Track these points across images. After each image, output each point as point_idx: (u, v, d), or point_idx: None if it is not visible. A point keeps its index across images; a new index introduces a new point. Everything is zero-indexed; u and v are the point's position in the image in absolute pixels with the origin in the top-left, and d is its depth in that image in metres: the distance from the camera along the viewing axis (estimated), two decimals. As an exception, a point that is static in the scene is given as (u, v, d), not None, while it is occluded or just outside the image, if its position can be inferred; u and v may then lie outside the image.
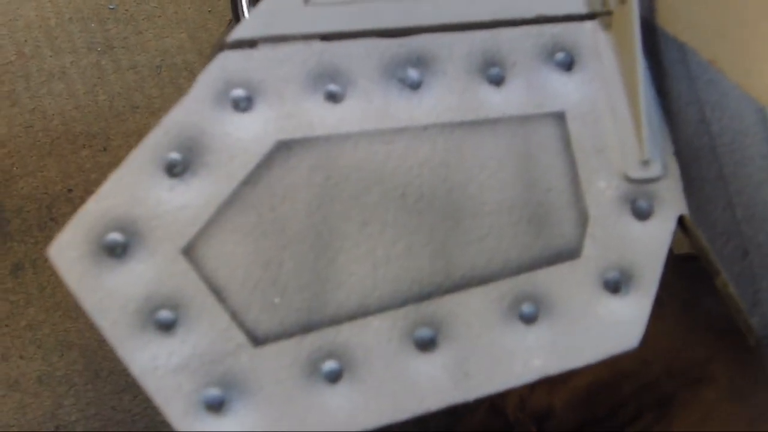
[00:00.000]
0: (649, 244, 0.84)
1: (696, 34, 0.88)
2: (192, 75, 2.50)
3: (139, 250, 0.75)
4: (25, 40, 2.53)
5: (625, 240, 0.84)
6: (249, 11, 1.64)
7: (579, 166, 0.85)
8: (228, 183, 0.77)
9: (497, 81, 0.85)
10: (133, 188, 0.75)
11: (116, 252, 0.74)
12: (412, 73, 0.83)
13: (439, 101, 0.83)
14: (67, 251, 0.74)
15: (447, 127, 0.82)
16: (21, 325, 2.23)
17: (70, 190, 2.36)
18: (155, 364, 0.73)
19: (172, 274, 0.74)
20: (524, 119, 0.84)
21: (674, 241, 0.86)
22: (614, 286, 0.83)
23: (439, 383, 0.77)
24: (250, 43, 0.81)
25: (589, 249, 0.83)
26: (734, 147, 0.87)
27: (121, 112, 2.51)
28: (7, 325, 2.20)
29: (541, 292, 0.82)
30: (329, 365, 0.76)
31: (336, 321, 0.77)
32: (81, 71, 2.55)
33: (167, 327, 0.74)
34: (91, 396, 2.17)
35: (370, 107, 0.81)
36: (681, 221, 0.87)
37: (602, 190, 0.84)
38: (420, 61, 0.84)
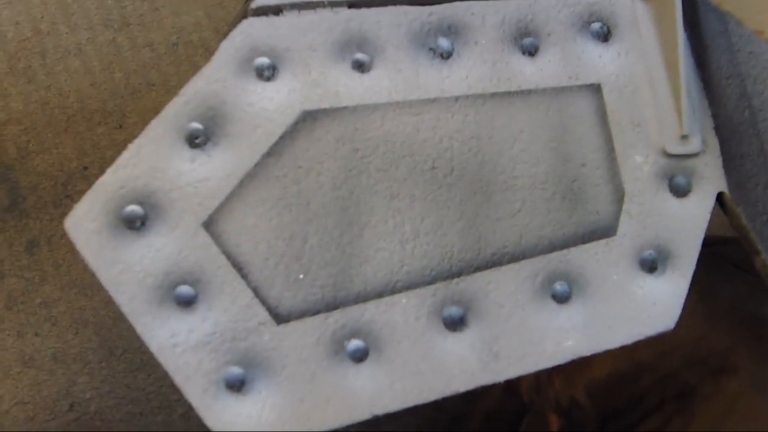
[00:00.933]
0: (687, 221, 0.81)
1: (741, 3, 0.84)
2: (208, 53, 2.47)
3: (158, 223, 0.72)
4: (42, 17, 2.51)
5: (662, 217, 0.81)
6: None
7: (615, 140, 0.81)
8: (251, 154, 0.74)
9: (531, 51, 0.82)
10: (152, 159, 0.72)
11: (135, 225, 0.72)
12: (443, 43, 0.80)
13: (471, 72, 0.80)
14: (84, 223, 0.71)
15: (479, 98, 0.79)
16: (36, 302, 2.22)
17: (85, 168, 2.34)
18: (175, 341, 0.71)
19: (193, 248, 0.72)
20: (559, 91, 0.81)
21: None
22: (650, 265, 0.80)
23: (467, 364, 0.75)
24: (275, 10, 0.78)
25: (624, 226, 0.80)
26: None
27: (137, 90, 2.49)
28: (22, 303, 2.19)
29: (574, 271, 0.79)
30: (354, 344, 0.74)
31: (362, 298, 0.74)
32: (97, 48, 2.53)
33: (187, 303, 0.71)
34: (105, 374, 2.16)
35: (398, 77, 0.78)
36: (720, 199, 0.83)
37: (639, 165, 0.81)
38: (451, 30, 0.81)
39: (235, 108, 0.75)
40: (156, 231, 0.72)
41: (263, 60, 0.76)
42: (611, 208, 0.81)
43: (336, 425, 0.72)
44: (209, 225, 0.73)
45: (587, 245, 0.79)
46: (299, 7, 0.79)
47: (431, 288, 0.75)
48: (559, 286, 0.78)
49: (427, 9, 0.81)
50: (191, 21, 2.73)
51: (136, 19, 2.71)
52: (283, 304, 0.73)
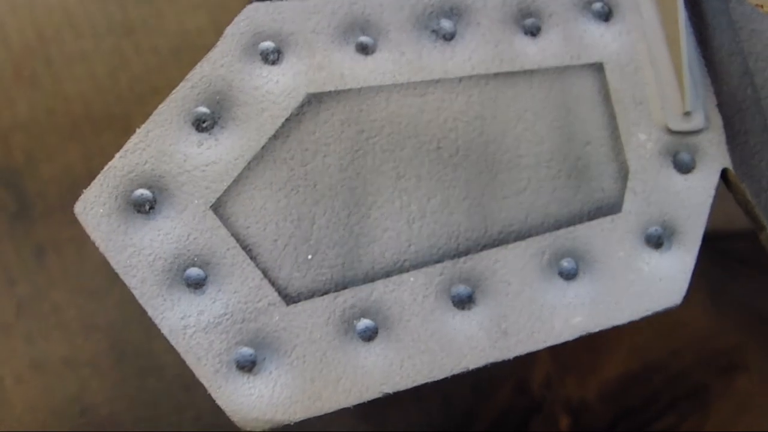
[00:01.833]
0: (692, 198, 0.81)
1: (741, -22, 0.85)
2: (213, 56, 2.48)
3: (167, 207, 0.73)
4: (46, 24, 2.52)
5: (667, 194, 0.81)
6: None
7: (618, 118, 0.82)
8: (258, 137, 0.75)
9: (533, 31, 0.82)
10: (160, 143, 0.73)
11: (144, 208, 0.72)
12: (446, 24, 0.81)
13: (474, 52, 0.81)
14: (94, 208, 0.72)
15: (482, 78, 0.80)
16: (45, 307, 2.22)
17: (92, 173, 2.34)
18: (185, 323, 0.71)
19: (202, 231, 0.72)
20: (561, 70, 0.82)
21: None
22: (656, 241, 0.80)
23: (476, 341, 0.75)
24: (279, -5, 0.79)
25: (630, 203, 0.81)
26: None
27: (143, 95, 2.49)
28: (31, 308, 2.19)
29: (581, 248, 0.79)
30: (364, 323, 0.74)
31: (370, 278, 0.74)
32: (102, 54, 2.53)
33: (197, 285, 0.72)
34: (116, 378, 2.16)
35: (402, 59, 0.79)
36: (724, 175, 0.84)
37: (643, 143, 0.82)
38: (453, 12, 0.81)
39: (241, 92, 0.76)
40: (165, 214, 0.73)
41: (268, 44, 0.77)
42: (616, 186, 0.81)
43: (347, 404, 0.73)
44: (217, 208, 0.73)
45: (593, 222, 0.79)
46: (303, -9, 0.80)
47: (439, 266, 0.75)
48: (566, 263, 0.78)
49: (430, -9, 0.82)
50: (195, 26, 2.73)
51: (140, 24, 2.71)
52: (293, 285, 0.73)
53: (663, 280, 0.79)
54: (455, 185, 0.77)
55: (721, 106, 0.84)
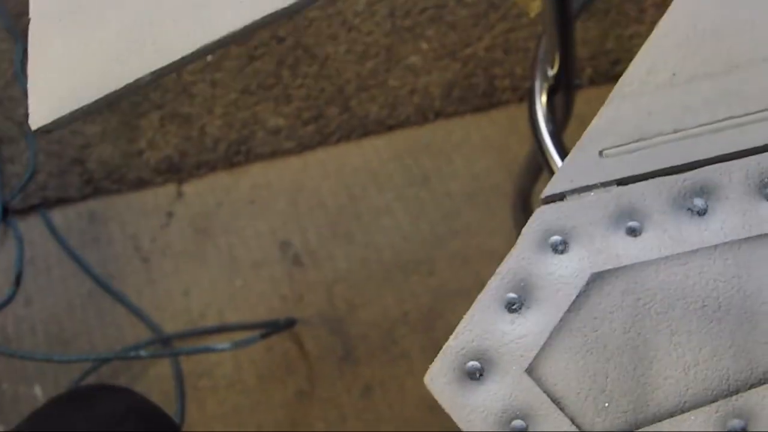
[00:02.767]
0: None
1: None
2: (502, 196, 2.74)
3: (493, 374, 0.95)
4: (354, 184, 2.88)
5: None
6: (554, 159, 1.85)
7: None
8: (556, 312, 0.96)
9: (775, 198, 0.99)
10: (482, 325, 0.96)
11: (475, 376, 0.94)
12: (699, 202, 0.99)
13: (725, 223, 0.98)
14: (438, 378, 0.95)
15: (735, 243, 0.97)
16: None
17: (406, 314, 2.63)
18: (513, 464, 0.92)
19: (521, 391, 0.93)
20: (806, 229, 0.97)
21: None
22: None
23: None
24: (560, 197, 1.01)
25: None
26: None
27: (443, 238, 2.77)
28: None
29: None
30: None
31: (657, 418, 0.92)
32: (404, 205, 2.85)
33: (521, 433, 0.93)
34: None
35: (665, 236, 0.98)
36: None
37: None
38: (704, 191, 0.99)
39: (539, 278, 0.97)
40: (491, 379, 0.95)
41: (556, 238, 0.98)
42: None
43: None
44: (531, 371, 0.94)
45: None
46: (578, 191, 1.01)
47: (714, 405, 0.92)
48: (827, 394, 0.92)
49: (682, 176, 1.00)
50: (483, 168, 2.99)
51: (434, 173, 3.00)
52: (595, 429, 0.93)
53: None
54: (721, 336, 0.94)
55: None
